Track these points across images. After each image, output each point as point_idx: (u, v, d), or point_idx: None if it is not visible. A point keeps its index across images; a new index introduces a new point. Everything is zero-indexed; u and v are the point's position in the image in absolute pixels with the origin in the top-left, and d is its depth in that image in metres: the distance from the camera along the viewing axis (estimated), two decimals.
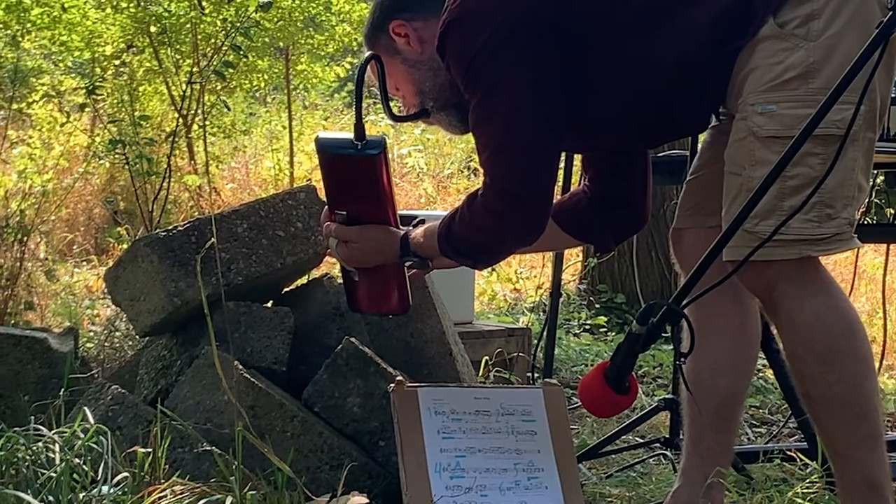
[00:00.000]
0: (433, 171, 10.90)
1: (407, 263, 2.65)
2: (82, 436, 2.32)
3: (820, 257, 2.40)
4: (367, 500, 2.40)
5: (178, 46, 8.10)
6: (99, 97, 7.62)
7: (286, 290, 3.13)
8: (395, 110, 2.74)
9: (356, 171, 2.59)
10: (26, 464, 2.26)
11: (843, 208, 2.36)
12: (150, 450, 2.30)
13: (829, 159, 2.21)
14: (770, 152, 2.28)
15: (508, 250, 2.63)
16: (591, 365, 5.09)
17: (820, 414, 2.42)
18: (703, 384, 2.63)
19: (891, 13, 2.07)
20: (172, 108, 8.32)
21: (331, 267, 4.10)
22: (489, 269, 7.04)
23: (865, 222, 2.46)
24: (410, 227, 2.65)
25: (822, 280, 2.40)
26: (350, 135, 2.62)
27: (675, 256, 2.83)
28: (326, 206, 2.70)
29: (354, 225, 2.62)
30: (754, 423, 4.44)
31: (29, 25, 8.15)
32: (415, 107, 2.67)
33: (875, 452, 2.38)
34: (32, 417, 2.46)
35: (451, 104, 2.62)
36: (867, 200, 2.66)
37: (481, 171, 2.55)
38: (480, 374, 3.83)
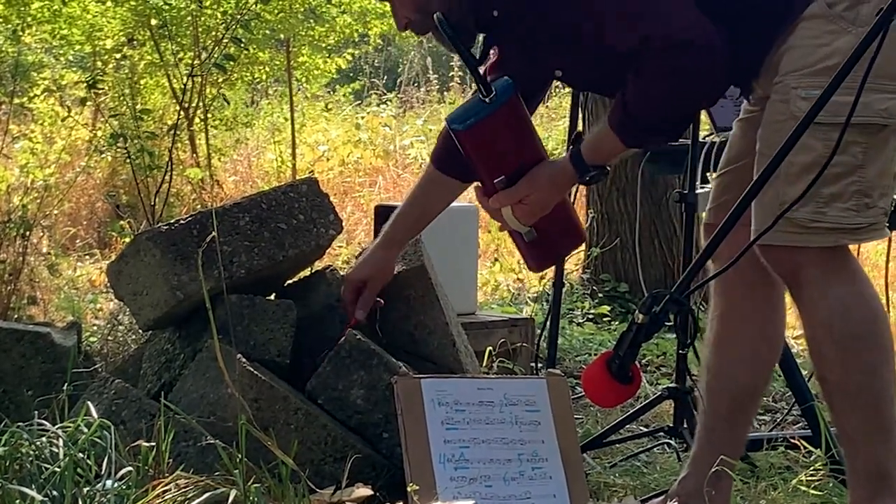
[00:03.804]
0: None
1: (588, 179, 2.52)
2: (86, 430, 2.31)
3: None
4: (372, 492, 2.40)
5: (178, 39, 8.08)
6: (100, 91, 7.61)
7: (289, 282, 3.13)
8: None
9: (504, 122, 2.51)
10: (30, 459, 2.25)
11: (880, 198, 2.36)
12: (153, 444, 2.30)
13: (872, 148, 2.21)
14: (814, 138, 2.23)
15: (700, 101, 2.49)
16: (595, 355, 5.08)
17: (835, 399, 2.41)
18: (723, 374, 2.62)
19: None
20: (174, 101, 8.31)
21: (333, 259, 4.10)
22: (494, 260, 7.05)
23: None
24: (571, 147, 2.54)
25: (850, 266, 2.40)
26: (461, 105, 2.56)
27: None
28: (479, 188, 2.61)
29: (517, 181, 2.53)
30: (758, 410, 4.43)
31: (29, 19, 8.13)
32: (406, 18, 2.56)
33: (887, 442, 2.38)
34: (36, 412, 2.46)
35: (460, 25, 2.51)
36: None
37: (638, 57, 2.40)
38: (484, 364, 3.83)
